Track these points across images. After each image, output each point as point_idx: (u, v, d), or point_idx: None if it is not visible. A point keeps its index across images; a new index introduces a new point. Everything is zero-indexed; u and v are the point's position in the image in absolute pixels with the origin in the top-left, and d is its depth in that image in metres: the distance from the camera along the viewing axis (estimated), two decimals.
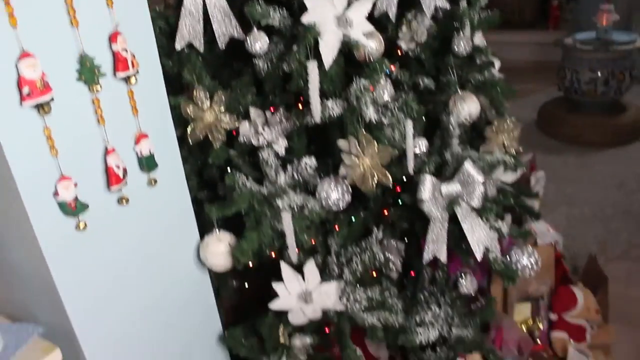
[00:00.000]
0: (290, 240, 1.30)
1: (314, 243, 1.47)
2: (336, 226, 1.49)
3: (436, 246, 1.45)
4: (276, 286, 1.39)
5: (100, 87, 1.04)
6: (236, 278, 1.71)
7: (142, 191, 1.19)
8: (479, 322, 1.62)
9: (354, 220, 1.53)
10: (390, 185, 1.29)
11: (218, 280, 1.59)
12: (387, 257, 1.55)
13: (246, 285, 1.76)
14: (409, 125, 1.30)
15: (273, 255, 1.44)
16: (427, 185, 1.37)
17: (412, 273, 1.66)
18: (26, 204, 1.01)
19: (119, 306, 1.23)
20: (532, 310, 1.98)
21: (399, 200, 1.56)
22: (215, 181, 1.50)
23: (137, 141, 1.13)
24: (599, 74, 3.47)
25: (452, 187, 1.39)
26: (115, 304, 1.22)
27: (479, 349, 1.58)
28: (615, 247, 2.57)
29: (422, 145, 1.46)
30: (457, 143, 1.47)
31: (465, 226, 1.42)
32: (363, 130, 1.25)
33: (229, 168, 1.39)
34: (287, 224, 1.27)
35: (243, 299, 1.78)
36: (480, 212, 1.44)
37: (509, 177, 1.79)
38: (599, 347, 1.97)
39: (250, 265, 1.51)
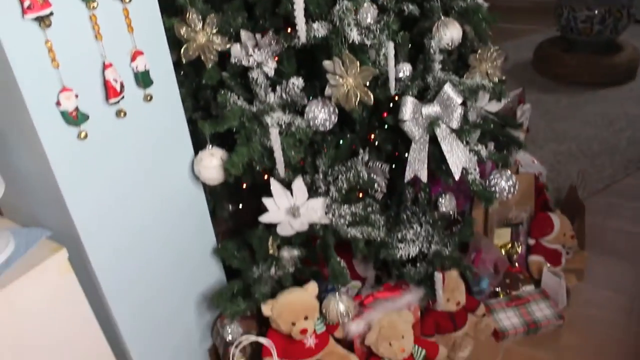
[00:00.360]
0: (278, 155, 1.38)
1: (302, 164, 1.57)
2: (324, 147, 1.58)
3: (417, 166, 1.54)
4: (266, 201, 1.49)
5: (97, 4, 1.11)
6: (230, 200, 1.82)
7: (138, 106, 1.28)
8: (457, 241, 1.73)
9: (341, 143, 1.62)
10: (371, 103, 1.36)
11: (214, 200, 1.69)
12: (372, 178, 1.64)
13: (240, 206, 1.87)
14: (390, 47, 1.37)
15: (264, 177, 1.53)
16: (408, 106, 1.45)
17: (396, 194, 1.76)
18: (32, 113, 1.09)
19: (119, 213, 1.33)
20: (512, 236, 2.09)
21: (385, 125, 1.64)
22: (209, 103, 1.58)
23: (133, 58, 1.20)
24: (596, 11, 3.46)
25: (431, 109, 1.47)
26: (115, 211, 1.32)
27: (456, 264, 1.69)
28: (599, 182, 2.66)
29: (406, 69, 1.53)
30: (439, 68, 1.54)
31: (444, 147, 1.51)
32: (347, 51, 1.32)
33: (221, 89, 1.46)
34: (275, 138, 1.35)
35: (236, 220, 1.89)
36: (459, 133, 1.53)
37: (494, 106, 1.87)
38: (572, 272, 2.09)
39: (244, 186, 1.61)
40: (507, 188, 1.67)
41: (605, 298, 2.01)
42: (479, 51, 1.68)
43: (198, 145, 1.50)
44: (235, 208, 1.89)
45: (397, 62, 1.51)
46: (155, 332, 1.54)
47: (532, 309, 1.91)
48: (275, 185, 1.48)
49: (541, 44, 3.87)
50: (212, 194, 1.66)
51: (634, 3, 3.54)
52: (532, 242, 2.08)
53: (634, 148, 2.90)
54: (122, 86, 1.18)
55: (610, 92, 3.52)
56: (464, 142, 1.58)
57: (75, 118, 1.12)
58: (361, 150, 1.66)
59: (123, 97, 1.20)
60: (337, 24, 1.29)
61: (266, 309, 1.54)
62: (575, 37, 3.64)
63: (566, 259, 2.10)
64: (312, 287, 1.57)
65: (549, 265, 2.02)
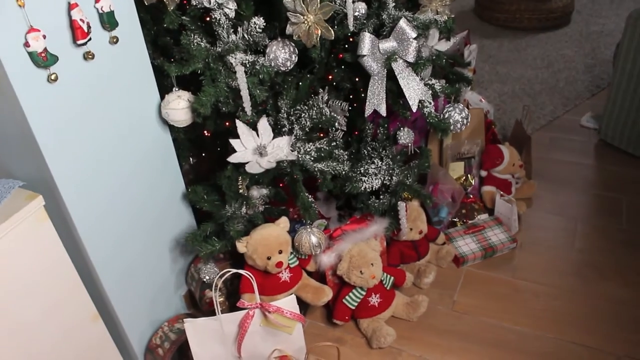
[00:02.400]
0: (245, 93, 1.42)
1: (265, 107, 1.61)
2: (285, 88, 1.62)
3: (376, 100, 1.61)
4: (233, 142, 1.53)
5: None
6: (193, 152, 1.85)
7: (105, 48, 1.29)
8: (417, 172, 1.82)
9: (301, 83, 1.67)
10: (332, 37, 1.41)
11: (177, 151, 1.71)
12: (333, 116, 1.70)
13: (202, 156, 1.91)
14: None
15: (227, 124, 1.57)
16: (366, 42, 1.51)
17: (356, 132, 1.83)
18: (1, 55, 1.09)
19: (92, 156, 1.35)
20: (465, 169, 2.20)
21: (342, 65, 1.69)
22: (169, 49, 1.59)
23: None
24: None
25: (388, 44, 1.53)
26: (88, 154, 1.34)
27: (417, 194, 1.77)
28: (541, 118, 2.81)
29: (361, 8, 1.58)
30: (393, 6, 1.59)
31: (401, 81, 1.58)
32: None
33: (184, 32, 1.48)
34: (241, 76, 1.39)
35: (198, 172, 1.93)
36: (415, 67, 1.60)
37: (443, 46, 1.94)
38: (522, 199, 2.22)
39: (207, 134, 1.65)
40: (460, 120, 1.77)
41: (551, 221, 2.16)
42: None
43: (161, 90, 1.52)
44: (197, 160, 1.92)
45: (352, 0, 1.56)
46: (132, 280, 1.58)
47: (488, 235, 2.03)
48: (241, 126, 1.51)
49: None
50: (175, 144, 1.68)
51: None
52: (484, 173, 2.20)
53: (571, 87, 3.07)
54: (89, 27, 1.19)
55: (548, 36, 3.68)
56: (419, 77, 1.65)
57: (45, 59, 1.13)
58: (321, 90, 1.71)
59: (90, 38, 1.20)
60: None
61: (241, 246, 1.59)
62: None
63: (516, 188, 2.23)
64: (284, 222, 1.63)
65: (501, 194, 2.15)
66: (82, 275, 1.40)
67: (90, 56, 1.24)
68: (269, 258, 1.58)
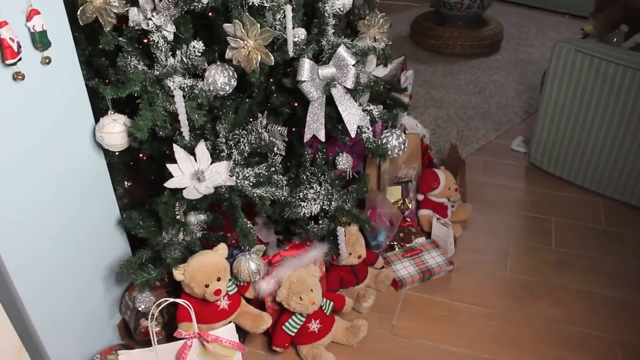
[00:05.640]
0: (183, 118, 1.40)
1: (205, 132, 1.59)
2: (223, 112, 1.60)
3: (315, 126, 1.62)
4: (171, 167, 1.49)
5: None
6: (127, 176, 1.80)
7: (36, 69, 1.23)
8: (355, 197, 1.83)
9: (240, 108, 1.65)
10: (272, 63, 1.41)
11: (112, 173, 1.66)
12: (272, 141, 1.70)
13: (137, 181, 1.86)
14: (289, 9, 1.42)
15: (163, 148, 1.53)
16: (306, 68, 1.52)
17: (295, 157, 1.83)
18: None
19: (19, 183, 1.28)
20: (402, 193, 2.23)
21: (282, 90, 1.70)
22: (104, 70, 1.55)
23: (29, 17, 1.16)
24: None
25: (328, 70, 1.55)
26: (15, 181, 1.27)
27: (356, 219, 1.79)
28: (474, 143, 2.90)
29: (301, 34, 1.59)
30: (332, 32, 1.61)
31: (340, 107, 1.60)
32: (247, 13, 1.35)
33: (120, 54, 1.44)
34: (179, 100, 1.36)
35: (132, 196, 1.87)
36: (353, 94, 1.62)
37: (380, 72, 1.98)
38: (458, 222, 2.28)
39: (143, 157, 1.60)
40: (397, 145, 1.81)
41: (486, 243, 2.22)
42: (367, 17, 1.78)
43: (96, 113, 1.47)
44: (132, 184, 1.87)
45: (292, 27, 1.56)
46: (62, 310, 1.50)
47: (425, 258, 2.07)
48: (178, 151, 1.48)
49: (417, 18, 4.11)
50: (108, 167, 1.63)
51: None
52: (420, 197, 2.24)
53: (502, 112, 3.19)
54: (19, 46, 1.14)
55: (479, 62, 3.82)
56: (358, 102, 1.68)
57: None
58: (260, 115, 1.70)
59: (21, 58, 1.15)
60: None
61: (178, 273, 1.55)
62: (447, 12, 3.91)
63: (452, 212, 2.28)
64: (222, 249, 1.60)
65: (438, 217, 2.19)
66: (5, 305, 1.31)
67: (20, 77, 1.18)
68: (207, 286, 1.54)
